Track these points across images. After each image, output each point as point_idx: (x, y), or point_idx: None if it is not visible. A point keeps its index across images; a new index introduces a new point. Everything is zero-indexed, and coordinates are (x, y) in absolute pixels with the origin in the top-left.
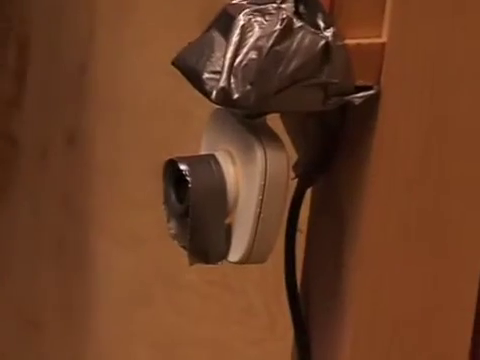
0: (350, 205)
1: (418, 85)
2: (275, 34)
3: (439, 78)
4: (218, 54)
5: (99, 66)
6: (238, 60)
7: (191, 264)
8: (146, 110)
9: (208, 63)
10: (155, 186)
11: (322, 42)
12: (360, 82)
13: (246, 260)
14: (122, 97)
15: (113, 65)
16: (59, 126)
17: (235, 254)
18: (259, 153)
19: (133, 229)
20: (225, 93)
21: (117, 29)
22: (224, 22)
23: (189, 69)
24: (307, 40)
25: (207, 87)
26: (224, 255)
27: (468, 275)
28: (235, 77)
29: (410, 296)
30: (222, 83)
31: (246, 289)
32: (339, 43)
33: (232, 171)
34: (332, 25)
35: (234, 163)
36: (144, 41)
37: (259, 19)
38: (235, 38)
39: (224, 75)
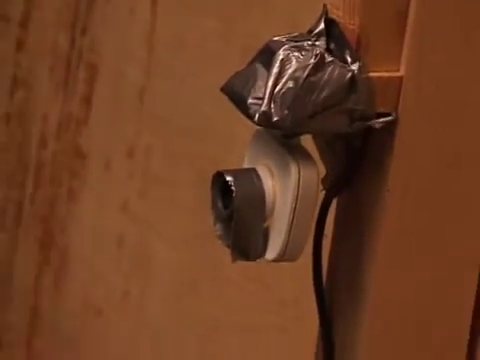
0: (369, 214)
1: (431, 113)
2: (309, 67)
3: (450, 106)
4: (260, 83)
5: (156, 90)
6: (278, 88)
7: (233, 261)
8: (197, 129)
9: (252, 90)
10: (204, 194)
11: (349, 74)
12: (381, 109)
13: (280, 259)
14: (176, 118)
15: (168, 90)
16: (121, 141)
17: (271, 253)
18: (293, 168)
19: (184, 230)
20: (266, 116)
21: (172, 61)
22: (266, 56)
23: (235, 95)
24: (336, 73)
25: (251, 111)
26: (262, 254)
27: (467, 278)
28: (275, 103)
29: (417, 289)
30: (263, 107)
31: (279, 284)
32: (363, 76)
33: (270, 183)
34: (358, 60)
35: (272, 176)
36: (195, 71)
37: (296, 54)
38: (275, 70)
39: (265, 101)
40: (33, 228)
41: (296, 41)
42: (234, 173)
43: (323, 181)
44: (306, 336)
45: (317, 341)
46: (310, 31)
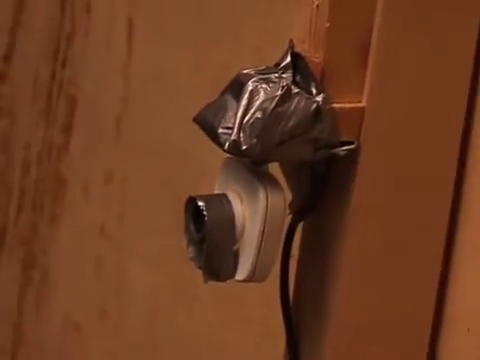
0: (333, 238)
1: (391, 141)
2: (276, 98)
3: (409, 135)
4: (230, 113)
5: (132, 120)
6: (246, 119)
7: (205, 282)
8: (171, 156)
9: (222, 120)
10: (177, 218)
11: (314, 105)
12: (344, 138)
13: (249, 280)
14: (151, 145)
15: (143, 119)
16: (99, 168)
17: (241, 274)
18: (262, 194)
19: (159, 252)
20: (236, 145)
21: (147, 92)
22: (236, 88)
23: (207, 125)
24: (302, 104)
25: (221, 140)
26: (232, 275)
27: (426, 297)
28: (244, 132)
29: (378, 310)
30: (233, 137)
31: (248, 302)
32: (328, 106)
33: (240, 207)
34: (322, 92)
35: (241, 201)
36: (169, 101)
37: (264, 86)
38: (244, 101)
39: (235, 130)
40: (16, 250)
41: (264, 74)
42: (206, 198)
43: (290, 206)
44: (274, 351)
45: (284, 357)
46: (277, 64)
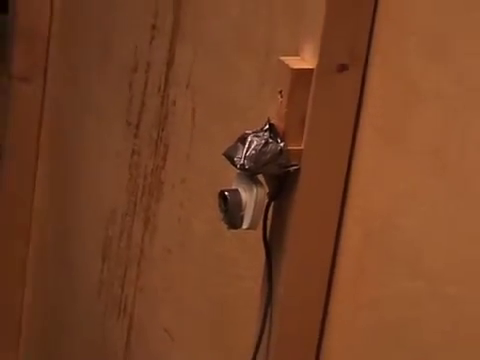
0: (286, 209)
1: (314, 164)
2: (261, 144)
3: (322, 160)
4: (240, 151)
5: (193, 155)
6: (248, 154)
7: (228, 229)
8: (212, 169)
9: (236, 154)
10: (216, 200)
11: (279, 147)
12: (293, 162)
13: (249, 228)
14: (202, 164)
15: (198, 154)
16: (177, 176)
17: (245, 225)
18: (254, 189)
19: (208, 215)
20: (242, 166)
21: (201, 142)
22: (242, 139)
23: (229, 156)
24: (273, 147)
25: (236, 163)
26: (241, 226)
27: (328, 231)
28: (246, 160)
29: (310, 238)
30: (241, 162)
31: (250, 239)
32: (286, 148)
33: (244, 195)
34: (283, 141)
35: (245, 192)
36: (212, 145)
37: (256, 138)
38: (246, 145)
39: (242, 158)
40: (140, 214)
41: (256, 133)
42: (228, 190)
43: (268, 194)
44: (261, 257)
45: (264, 266)
46: (262, 129)
